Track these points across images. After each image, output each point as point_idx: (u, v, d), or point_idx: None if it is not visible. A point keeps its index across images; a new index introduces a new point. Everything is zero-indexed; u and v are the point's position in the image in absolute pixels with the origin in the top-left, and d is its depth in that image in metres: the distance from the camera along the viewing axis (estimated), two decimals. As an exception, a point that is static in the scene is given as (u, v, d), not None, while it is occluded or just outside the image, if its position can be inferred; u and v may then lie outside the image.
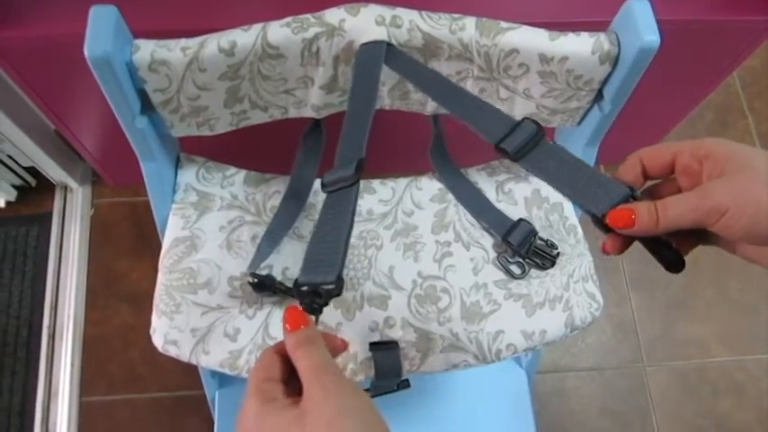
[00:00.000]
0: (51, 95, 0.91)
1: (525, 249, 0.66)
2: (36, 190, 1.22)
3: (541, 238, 0.67)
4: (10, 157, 1.12)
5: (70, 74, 0.85)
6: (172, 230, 0.65)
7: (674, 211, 0.37)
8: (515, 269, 0.66)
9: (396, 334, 0.62)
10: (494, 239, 0.68)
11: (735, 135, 1.42)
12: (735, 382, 1.21)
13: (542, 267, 0.67)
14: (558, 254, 0.67)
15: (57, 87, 0.89)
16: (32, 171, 1.18)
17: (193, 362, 0.61)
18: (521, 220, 0.68)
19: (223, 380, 0.94)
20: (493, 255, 0.67)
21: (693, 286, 1.27)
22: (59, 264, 1.18)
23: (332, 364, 0.38)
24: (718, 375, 1.22)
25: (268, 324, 0.62)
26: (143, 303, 1.15)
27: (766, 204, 0.35)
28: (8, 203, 1.21)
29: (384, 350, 0.61)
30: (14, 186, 1.20)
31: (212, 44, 0.53)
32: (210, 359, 0.61)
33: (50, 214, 1.21)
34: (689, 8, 0.80)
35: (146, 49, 0.53)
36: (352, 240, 0.67)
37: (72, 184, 1.22)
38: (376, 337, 0.62)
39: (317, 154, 0.69)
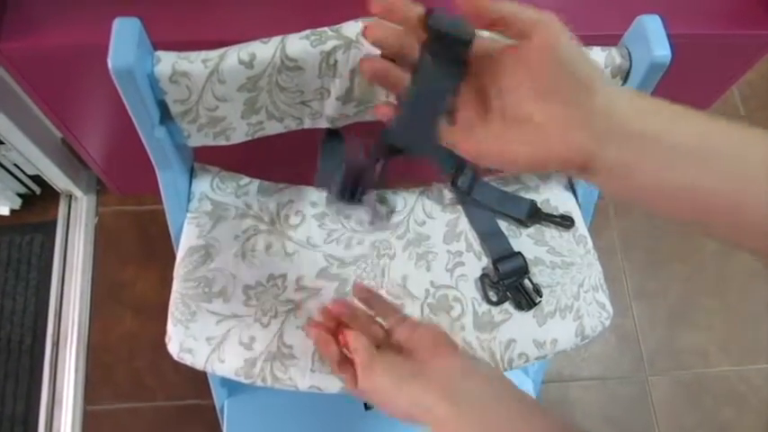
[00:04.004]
0: (59, 104, 0.91)
1: (509, 282, 0.66)
2: (41, 198, 1.22)
3: (532, 281, 0.67)
4: (15, 165, 1.12)
5: (78, 83, 0.85)
6: (187, 239, 0.66)
7: (512, 4, 0.37)
8: (493, 295, 0.67)
9: (409, 343, 0.63)
10: (489, 258, 0.69)
11: (734, 147, 1.43)
12: (736, 392, 1.22)
13: (518, 306, 0.66)
14: (540, 302, 0.66)
15: (64, 96, 0.89)
16: (37, 179, 1.18)
17: (208, 370, 0.61)
18: (519, 253, 0.68)
19: (232, 389, 0.94)
20: (479, 273, 0.68)
21: (695, 296, 1.29)
22: (63, 272, 1.18)
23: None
24: (720, 385, 1.22)
25: (283, 332, 0.62)
26: (148, 312, 1.17)
27: (567, 53, 0.36)
28: (12, 212, 1.21)
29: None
30: (19, 195, 1.20)
31: (232, 56, 0.54)
32: (225, 367, 0.61)
33: (55, 222, 1.21)
34: (693, 22, 0.82)
35: (167, 61, 0.53)
36: (365, 251, 0.68)
37: (77, 192, 1.22)
38: (390, 346, 0.63)
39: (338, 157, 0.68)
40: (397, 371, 0.44)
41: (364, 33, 0.41)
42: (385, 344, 0.51)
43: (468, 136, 0.41)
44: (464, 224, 0.70)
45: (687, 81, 0.95)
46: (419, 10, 0.40)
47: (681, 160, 0.34)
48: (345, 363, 0.51)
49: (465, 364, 0.46)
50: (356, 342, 0.49)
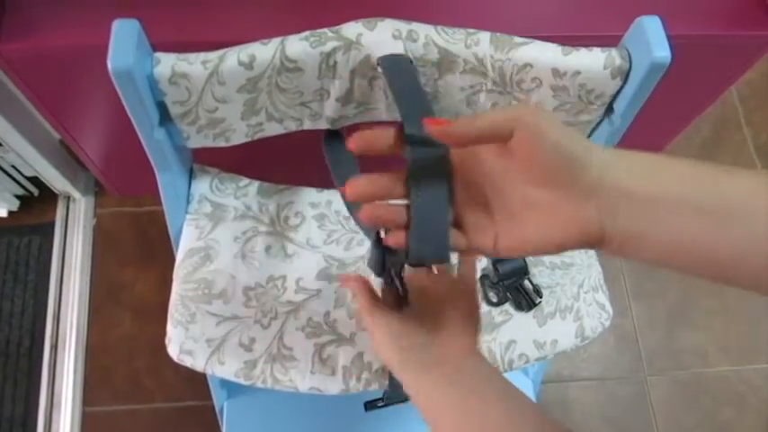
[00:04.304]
0: (57, 106, 0.91)
1: (509, 282, 0.66)
2: (39, 200, 1.22)
3: (532, 282, 0.67)
4: (13, 166, 1.12)
5: (77, 84, 0.85)
6: (186, 241, 0.66)
7: (483, 117, 0.38)
8: (493, 296, 0.67)
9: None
10: (488, 260, 0.69)
11: (732, 148, 1.44)
12: (735, 392, 1.22)
13: (518, 307, 0.66)
14: (540, 303, 0.66)
15: (63, 98, 0.89)
16: (35, 181, 1.18)
17: (208, 372, 0.61)
18: None
19: (231, 390, 0.94)
20: (479, 274, 0.68)
21: (693, 297, 1.29)
22: (62, 274, 1.18)
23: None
24: (719, 385, 1.23)
25: (283, 333, 0.62)
26: (146, 313, 1.16)
27: (552, 137, 0.36)
28: (10, 213, 1.20)
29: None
30: (17, 196, 1.20)
31: (232, 57, 0.54)
32: (225, 369, 0.61)
33: (53, 224, 1.21)
34: (692, 22, 0.82)
35: (167, 63, 0.53)
36: (365, 252, 0.68)
37: (75, 194, 1.22)
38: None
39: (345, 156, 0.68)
40: (408, 340, 0.46)
41: (346, 194, 0.41)
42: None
43: (480, 237, 0.41)
44: (464, 225, 0.70)
45: (685, 82, 0.95)
46: (392, 132, 0.41)
47: (690, 219, 0.34)
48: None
49: (474, 352, 0.47)
50: (360, 284, 0.50)
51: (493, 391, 0.44)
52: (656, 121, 1.10)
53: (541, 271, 0.68)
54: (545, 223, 0.37)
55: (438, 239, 0.41)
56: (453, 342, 0.47)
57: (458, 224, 0.42)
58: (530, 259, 0.68)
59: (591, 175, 0.36)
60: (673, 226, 0.34)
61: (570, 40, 0.59)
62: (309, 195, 0.71)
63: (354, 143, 0.40)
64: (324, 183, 0.69)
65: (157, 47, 0.55)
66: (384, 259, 0.49)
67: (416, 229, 0.41)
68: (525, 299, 0.66)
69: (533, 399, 0.99)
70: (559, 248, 0.38)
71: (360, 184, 0.40)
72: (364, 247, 0.68)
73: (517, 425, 0.41)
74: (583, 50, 0.57)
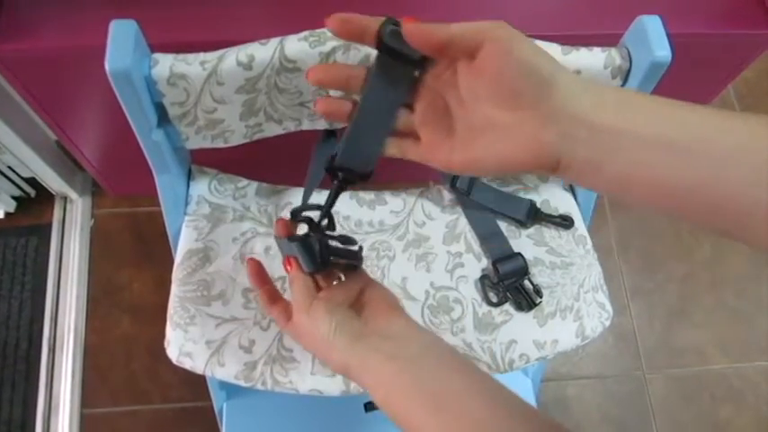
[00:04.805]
0: (54, 106, 0.90)
1: (509, 282, 0.66)
2: (35, 201, 1.21)
3: (532, 282, 0.67)
4: (10, 167, 1.11)
5: (73, 85, 0.85)
6: (185, 242, 0.65)
7: (456, 24, 0.38)
8: (493, 296, 0.67)
9: (410, 345, 0.63)
10: (489, 260, 0.69)
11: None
12: (733, 389, 1.23)
13: (518, 307, 0.66)
14: (540, 303, 0.66)
15: (59, 98, 0.88)
16: (32, 182, 1.17)
17: (208, 374, 0.61)
18: (518, 253, 0.68)
19: (231, 391, 0.94)
20: (479, 274, 0.68)
21: (691, 295, 1.29)
22: (59, 275, 1.17)
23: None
24: (717, 382, 1.23)
25: (282, 335, 0.62)
26: (144, 314, 1.16)
27: (521, 55, 0.36)
28: (7, 214, 1.20)
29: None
30: (14, 197, 1.19)
31: (231, 58, 0.54)
32: (225, 371, 0.61)
33: (50, 225, 1.20)
34: (690, 21, 0.82)
35: (164, 63, 0.53)
36: (364, 252, 0.68)
37: (72, 194, 1.21)
38: (390, 348, 0.62)
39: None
40: (343, 327, 0.44)
41: (307, 77, 0.42)
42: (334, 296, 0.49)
43: (436, 150, 0.41)
44: (463, 225, 0.70)
45: (683, 80, 0.95)
46: (376, 23, 0.40)
47: (650, 153, 0.34)
48: (278, 299, 0.50)
49: (410, 327, 0.46)
50: (295, 282, 0.48)
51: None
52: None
53: (541, 271, 0.68)
54: (503, 143, 0.38)
55: (369, 149, 0.42)
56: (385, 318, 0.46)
57: (416, 136, 0.42)
58: (529, 259, 0.68)
59: (555, 101, 0.35)
60: (640, 161, 0.34)
61: (570, 40, 0.58)
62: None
63: (333, 21, 0.39)
64: (322, 183, 0.69)
65: (155, 47, 0.54)
66: (316, 251, 0.47)
67: (352, 133, 0.42)
68: (525, 299, 0.65)
69: (533, 398, 1.00)
70: (514, 169, 0.39)
71: (320, 68, 0.42)
72: (364, 246, 0.68)
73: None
74: (583, 50, 0.57)
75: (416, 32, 0.38)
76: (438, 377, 0.42)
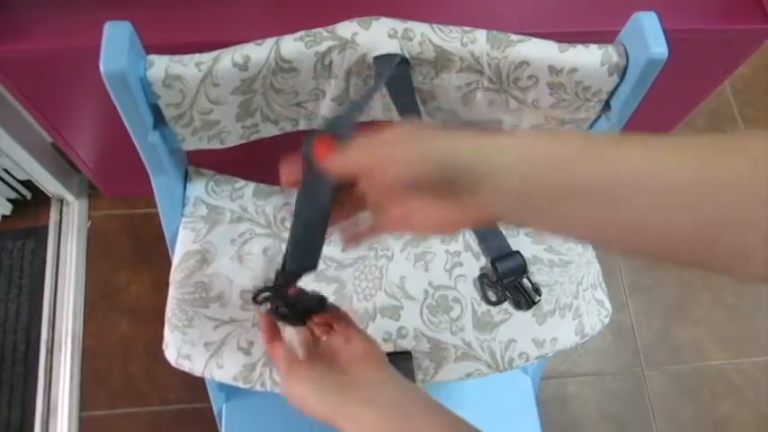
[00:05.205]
0: (49, 108, 0.90)
1: (508, 281, 0.66)
2: (32, 203, 1.21)
3: (531, 280, 0.67)
4: (5, 170, 1.10)
5: (69, 87, 0.84)
6: (182, 244, 0.65)
7: (342, 157, 0.40)
8: (492, 295, 0.66)
9: (409, 344, 0.63)
10: (487, 258, 0.69)
11: (726, 141, 1.44)
12: (733, 385, 1.23)
13: (517, 305, 0.66)
14: (539, 301, 0.66)
15: (55, 100, 0.88)
16: (28, 184, 1.17)
17: (207, 376, 0.61)
18: (517, 252, 0.68)
19: (230, 393, 0.93)
20: (478, 273, 0.68)
21: (689, 291, 1.29)
22: (56, 277, 1.17)
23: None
24: (717, 378, 1.23)
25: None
26: (142, 316, 1.15)
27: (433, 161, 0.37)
28: (3, 217, 1.19)
29: (398, 360, 0.61)
30: (9, 200, 1.18)
31: (226, 59, 0.54)
32: (224, 373, 0.60)
33: (46, 228, 1.20)
34: (686, 17, 0.82)
35: (160, 65, 0.53)
36: (363, 252, 0.67)
37: (68, 197, 1.21)
38: (389, 348, 0.62)
39: None
40: (322, 383, 0.46)
41: (282, 182, 0.44)
42: (316, 349, 0.51)
43: (374, 229, 0.45)
44: (461, 224, 0.70)
45: (679, 76, 0.95)
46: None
47: (580, 204, 0.34)
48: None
49: (388, 375, 0.47)
50: (275, 353, 0.50)
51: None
52: (650, 115, 1.10)
53: (540, 269, 0.68)
54: (439, 222, 0.39)
55: (310, 256, 0.46)
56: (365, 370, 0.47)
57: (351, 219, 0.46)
58: (528, 257, 0.68)
59: (476, 183, 0.36)
60: (562, 214, 0.35)
61: (567, 37, 0.58)
62: (306, 196, 0.70)
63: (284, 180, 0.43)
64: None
65: (150, 49, 0.54)
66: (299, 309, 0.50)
67: (291, 245, 0.46)
68: (524, 297, 0.65)
69: (533, 396, 0.99)
70: (448, 231, 0.42)
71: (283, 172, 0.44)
72: (363, 247, 0.68)
73: None
74: (579, 47, 0.57)
75: (327, 166, 0.40)
76: (417, 420, 0.43)
